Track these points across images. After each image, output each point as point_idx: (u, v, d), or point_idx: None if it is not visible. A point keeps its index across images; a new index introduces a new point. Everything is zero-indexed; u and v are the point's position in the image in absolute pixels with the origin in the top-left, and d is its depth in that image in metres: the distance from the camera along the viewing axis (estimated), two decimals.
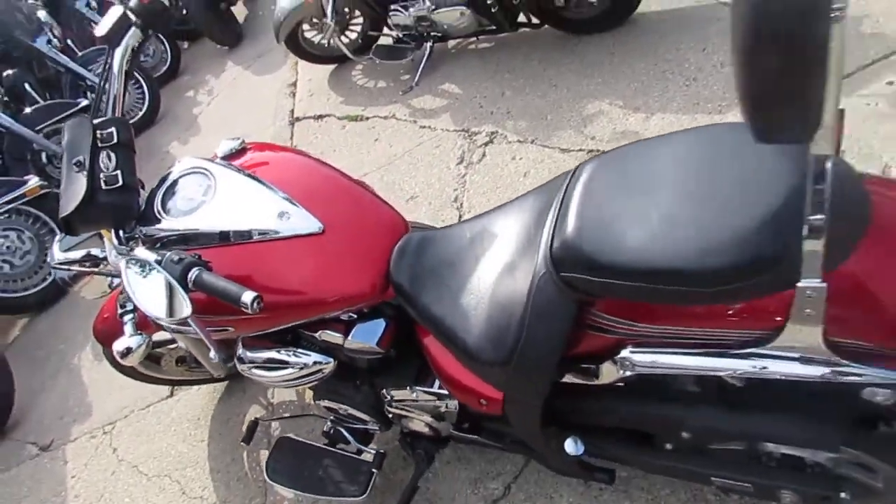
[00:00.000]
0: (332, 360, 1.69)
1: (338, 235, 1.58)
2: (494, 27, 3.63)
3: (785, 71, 0.74)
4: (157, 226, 1.67)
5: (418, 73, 3.97)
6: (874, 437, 1.18)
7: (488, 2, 3.39)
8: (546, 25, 3.58)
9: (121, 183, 1.61)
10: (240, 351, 1.77)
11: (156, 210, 1.69)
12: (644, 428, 1.41)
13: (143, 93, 5.35)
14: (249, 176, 1.68)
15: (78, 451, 2.82)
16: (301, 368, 1.70)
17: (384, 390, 1.75)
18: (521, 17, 3.60)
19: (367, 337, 1.60)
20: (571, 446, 1.43)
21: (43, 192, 3.78)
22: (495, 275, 1.36)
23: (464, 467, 2.02)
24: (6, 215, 3.69)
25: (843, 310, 1.00)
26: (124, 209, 1.63)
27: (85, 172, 1.60)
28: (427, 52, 3.98)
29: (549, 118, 3.17)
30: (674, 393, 1.28)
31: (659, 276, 1.04)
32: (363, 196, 1.70)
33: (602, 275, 1.10)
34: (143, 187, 1.78)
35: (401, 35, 3.99)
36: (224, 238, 1.60)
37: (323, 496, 1.92)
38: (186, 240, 1.64)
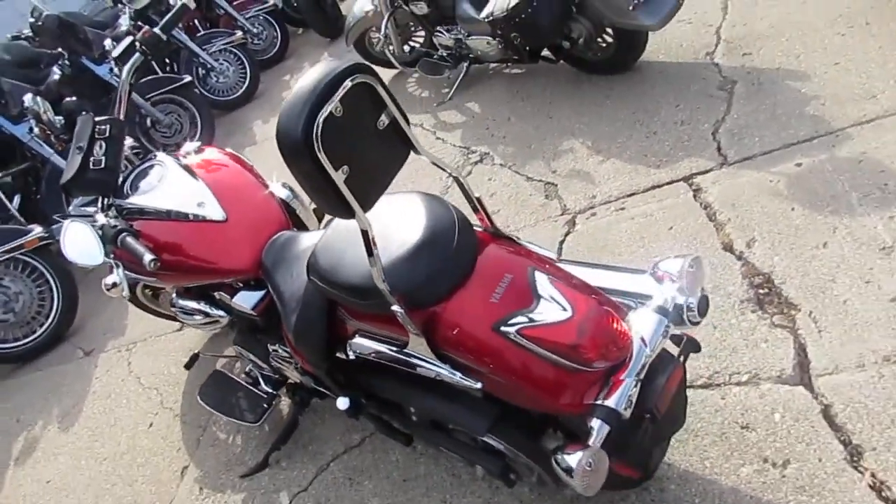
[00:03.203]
0: (226, 315, 2.27)
1: (234, 225, 2.15)
2: (517, 57, 4.05)
3: (302, 182, 1.23)
4: (126, 200, 2.31)
5: (453, 89, 4.47)
6: (512, 433, 1.61)
7: (511, 35, 3.80)
8: (562, 61, 3.96)
9: (103, 166, 2.25)
10: (172, 298, 2.41)
11: (126, 188, 2.34)
12: (393, 399, 1.88)
13: (245, 73, 6.17)
14: (189, 171, 2.28)
15: (106, 360, 3.60)
16: (204, 317, 2.31)
17: (268, 345, 2.30)
18: (546, 51, 3.99)
19: (245, 301, 2.16)
20: (341, 403, 1.93)
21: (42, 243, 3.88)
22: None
23: (341, 419, 2.54)
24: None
25: (443, 331, 1.45)
26: (103, 184, 2.26)
27: (81, 155, 2.26)
28: (463, 72, 4.46)
29: (532, 147, 3.57)
30: (392, 379, 1.75)
31: (336, 288, 1.55)
32: (262, 197, 2.26)
33: (320, 283, 1.61)
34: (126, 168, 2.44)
35: (444, 54, 4.49)
36: (162, 213, 2.22)
37: (231, 418, 2.51)
38: (142, 212, 2.27)
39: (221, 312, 2.29)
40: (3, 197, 4.52)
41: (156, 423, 3.00)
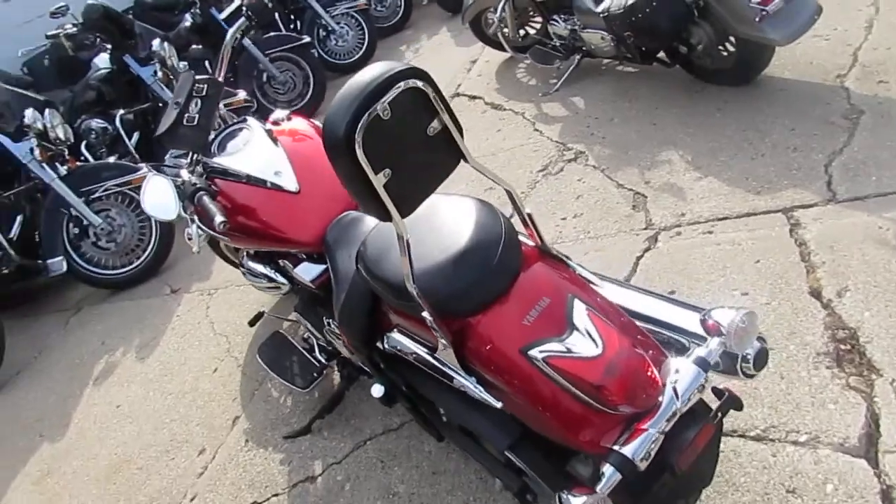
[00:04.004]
0: (287, 283, 2.33)
1: (305, 197, 2.19)
2: (630, 56, 3.89)
3: (342, 180, 1.21)
4: (212, 159, 2.39)
5: (560, 81, 4.35)
6: (533, 454, 1.56)
7: (625, 34, 3.65)
8: (677, 66, 3.77)
9: (195, 123, 2.34)
10: (243, 258, 2.49)
11: (214, 147, 2.42)
12: (427, 396, 1.87)
13: (363, 39, 6.25)
14: (273, 139, 2.33)
15: (188, 300, 3.80)
16: (267, 281, 2.37)
17: (324, 317, 2.34)
18: (661, 53, 3.81)
19: (305, 273, 2.20)
20: (376, 390, 1.93)
21: None
22: None
23: None
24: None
25: (471, 344, 1.42)
26: (193, 141, 2.35)
27: (177, 110, 2.36)
28: (574, 65, 4.33)
29: (629, 153, 3.43)
30: (426, 377, 1.73)
31: (376, 281, 1.54)
32: None
33: (364, 273, 1.61)
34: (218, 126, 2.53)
35: (557, 43, 4.38)
36: (241, 177, 2.28)
37: (283, 380, 2.58)
38: (224, 172, 2.34)
39: (284, 280, 2.35)
40: (123, 133, 4.80)
41: (220, 369, 3.14)
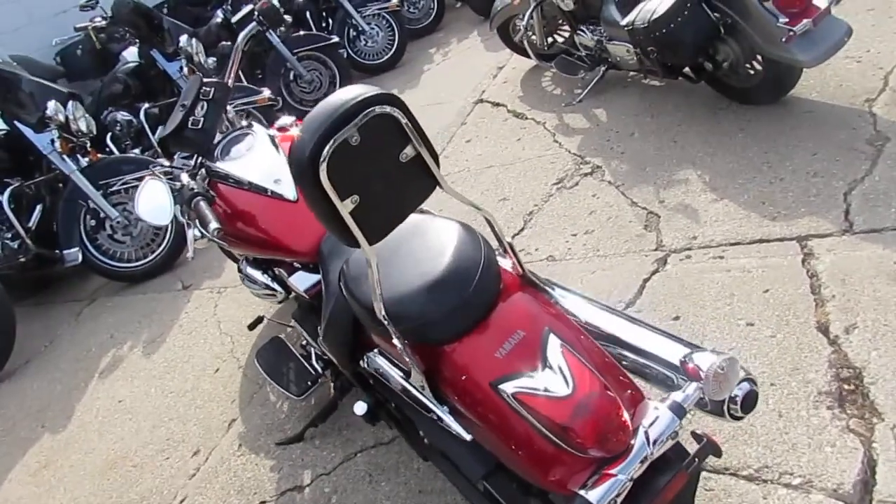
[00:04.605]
0: (283, 291, 2.31)
1: (303, 206, 2.15)
2: (654, 70, 3.81)
3: (309, 204, 1.19)
4: (215, 163, 2.39)
5: (584, 92, 4.29)
6: (507, 486, 1.52)
7: (649, 48, 3.58)
8: (702, 82, 3.69)
9: (200, 126, 2.34)
10: (241, 263, 2.49)
11: (217, 152, 2.42)
12: (410, 417, 1.84)
13: (393, 40, 6.25)
14: (276, 146, 2.33)
15: (197, 297, 3.82)
16: (263, 287, 2.36)
17: (318, 327, 2.33)
18: (687, 69, 3.72)
19: (300, 283, 2.19)
20: (359, 407, 1.91)
21: None
22: None
23: None
24: None
25: (443, 373, 1.38)
26: (197, 144, 2.36)
27: (183, 113, 2.36)
28: (599, 76, 4.26)
29: (646, 170, 3.37)
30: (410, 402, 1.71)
31: (354, 301, 1.52)
32: None
33: (345, 292, 1.59)
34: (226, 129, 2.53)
35: (583, 54, 4.32)
36: (243, 183, 2.28)
37: (278, 386, 2.57)
38: (226, 177, 2.34)
39: (279, 288, 2.34)
40: (147, 127, 4.85)
41: (222, 369, 3.15)
